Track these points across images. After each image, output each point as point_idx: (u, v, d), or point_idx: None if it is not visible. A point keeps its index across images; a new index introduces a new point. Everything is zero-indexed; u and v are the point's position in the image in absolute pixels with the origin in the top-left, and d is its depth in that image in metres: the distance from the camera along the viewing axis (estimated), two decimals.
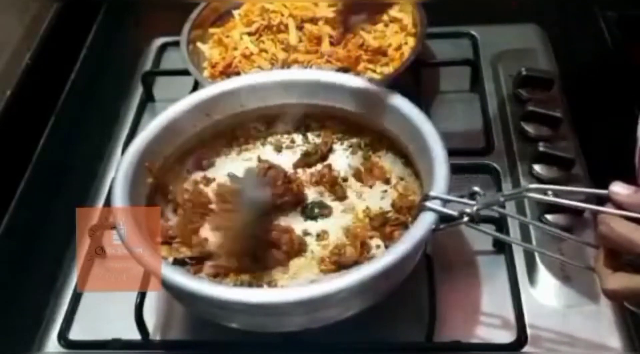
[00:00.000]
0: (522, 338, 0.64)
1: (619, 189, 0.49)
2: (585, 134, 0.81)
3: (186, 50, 0.87)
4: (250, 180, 0.68)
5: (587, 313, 0.66)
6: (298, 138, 0.78)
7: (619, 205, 0.49)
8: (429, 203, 0.58)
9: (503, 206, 0.59)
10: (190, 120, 0.72)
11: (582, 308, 0.66)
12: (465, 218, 0.57)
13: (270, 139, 0.78)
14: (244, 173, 0.70)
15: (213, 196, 0.71)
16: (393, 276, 0.59)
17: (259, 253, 0.66)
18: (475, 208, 0.56)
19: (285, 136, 0.78)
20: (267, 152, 0.77)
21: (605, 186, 0.51)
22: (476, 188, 0.57)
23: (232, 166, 0.75)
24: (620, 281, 0.49)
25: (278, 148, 0.77)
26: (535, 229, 0.71)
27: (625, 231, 0.48)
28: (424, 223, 0.57)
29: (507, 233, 0.71)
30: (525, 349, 0.64)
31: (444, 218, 0.58)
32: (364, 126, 0.73)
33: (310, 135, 0.77)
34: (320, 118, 0.76)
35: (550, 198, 0.57)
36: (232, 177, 0.72)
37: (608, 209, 0.50)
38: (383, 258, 0.56)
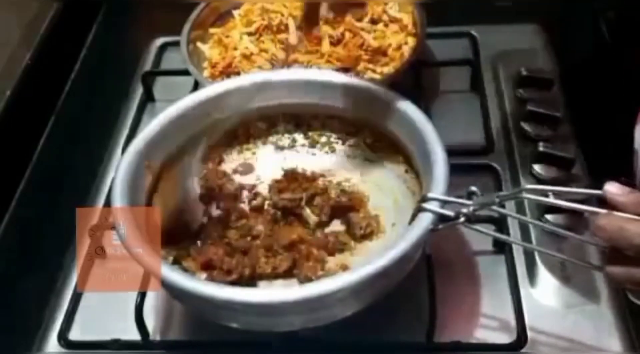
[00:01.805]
0: (522, 338, 0.64)
1: (613, 189, 0.49)
2: (585, 134, 0.81)
3: (186, 50, 0.87)
4: None
5: (587, 313, 0.66)
6: (299, 137, 0.78)
7: (613, 205, 0.49)
8: (426, 205, 0.58)
9: (503, 206, 0.59)
10: (192, 119, 0.72)
11: (582, 308, 0.66)
12: (462, 219, 0.57)
13: (271, 138, 0.78)
14: None
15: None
16: (391, 275, 0.59)
17: None
18: (471, 208, 0.56)
19: (287, 135, 0.78)
20: (268, 151, 0.77)
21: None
22: (473, 188, 0.57)
23: (234, 165, 0.76)
24: (620, 270, 0.50)
25: (279, 148, 0.77)
26: (536, 229, 0.71)
27: (619, 223, 0.48)
28: (422, 224, 0.58)
29: (507, 233, 0.71)
30: (525, 349, 0.64)
31: (442, 218, 0.58)
32: (365, 126, 0.73)
33: (311, 135, 0.77)
34: (321, 118, 0.76)
35: (547, 199, 0.57)
36: None
37: (603, 210, 0.49)
38: (381, 258, 0.56)
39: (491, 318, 0.67)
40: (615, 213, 0.49)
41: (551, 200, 0.57)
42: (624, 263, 0.49)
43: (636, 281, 0.50)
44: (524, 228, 0.72)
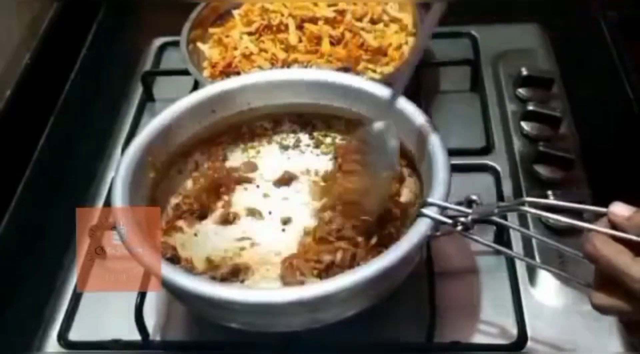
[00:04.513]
0: (522, 338, 0.64)
1: (618, 210, 0.48)
2: (585, 134, 0.81)
3: (186, 50, 0.87)
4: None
5: (587, 313, 0.65)
6: (304, 137, 0.78)
7: (615, 226, 0.48)
8: (425, 210, 0.58)
9: (504, 218, 0.58)
10: (196, 117, 0.72)
11: (582, 308, 0.66)
12: (460, 227, 0.57)
13: (276, 137, 0.78)
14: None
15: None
16: (389, 279, 0.59)
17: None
18: (470, 217, 0.56)
19: (292, 135, 0.78)
20: (272, 150, 0.77)
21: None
22: (474, 197, 0.57)
23: (237, 163, 0.76)
24: (606, 299, 0.49)
25: (284, 147, 0.78)
26: (535, 231, 0.71)
27: (610, 253, 0.47)
28: (420, 229, 0.57)
29: (508, 236, 0.71)
30: (526, 349, 0.64)
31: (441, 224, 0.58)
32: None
33: (316, 135, 0.77)
34: (326, 118, 0.76)
35: (547, 214, 0.56)
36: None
37: (601, 228, 0.48)
38: (379, 261, 0.56)
39: (491, 318, 0.67)
40: (611, 239, 0.48)
41: (552, 215, 0.55)
42: (611, 291, 0.48)
43: (620, 312, 0.49)
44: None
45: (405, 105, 0.68)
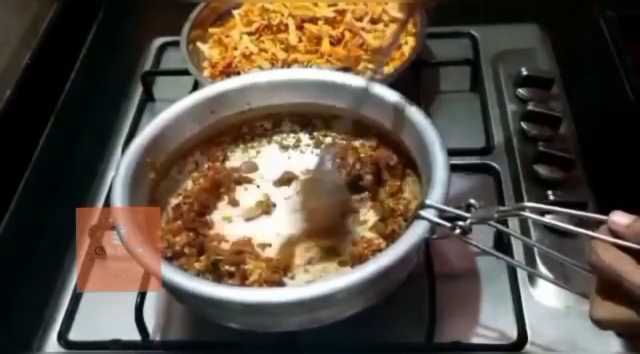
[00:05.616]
0: (522, 338, 0.64)
1: (618, 219, 0.48)
2: (585, 134, 0.81)
3: (186, 50, 0.87)
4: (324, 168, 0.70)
5: (587, 313, 0.65)
6: (304, 137, 0.78)
7: (616, 234, 0.48)
8: (423, 212, 0.58)
9: (505, 224, 0.58)
10: (196, 117, 0.72)
11: (582, 308, 0.65)
12: (457, 231, 0.56)
13: (276, 137, 0.78)
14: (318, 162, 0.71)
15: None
16: (387, 280, 0.59)
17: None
18: (468, 221, 0.56)
19: (292, 135, 0.78)
20: (272, 150, 0.78)
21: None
22: (472, 201, 0.56)
23: (237, 163, 0.76)
24: (607, 311, 0.49)
25: (284, 147, 0.78)
26: (537, 231, 0.71)
27: (614, 261, 0.47)
28: (417, 231, 0.57)
29: (508, 239, 0.71)
30: (525, 349, 0.64)
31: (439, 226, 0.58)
32: (368, 127, 0.73)
33: (316, 135, 0.77)
34: (326, 118, 0.76)
35: (547, 220, 0.56)
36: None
37: (602, 236, 0.48)
38: (376, 262, 0.56)
39: (491, 318, 0.67)
40: (613, 247, 0.48)
41: (552, 221, 0.55)
42: (611, 303, 0.48)
43: (620, 325, 0.49)
44: (524, 230, 0.72)
45: (404, 105, 0.68)
